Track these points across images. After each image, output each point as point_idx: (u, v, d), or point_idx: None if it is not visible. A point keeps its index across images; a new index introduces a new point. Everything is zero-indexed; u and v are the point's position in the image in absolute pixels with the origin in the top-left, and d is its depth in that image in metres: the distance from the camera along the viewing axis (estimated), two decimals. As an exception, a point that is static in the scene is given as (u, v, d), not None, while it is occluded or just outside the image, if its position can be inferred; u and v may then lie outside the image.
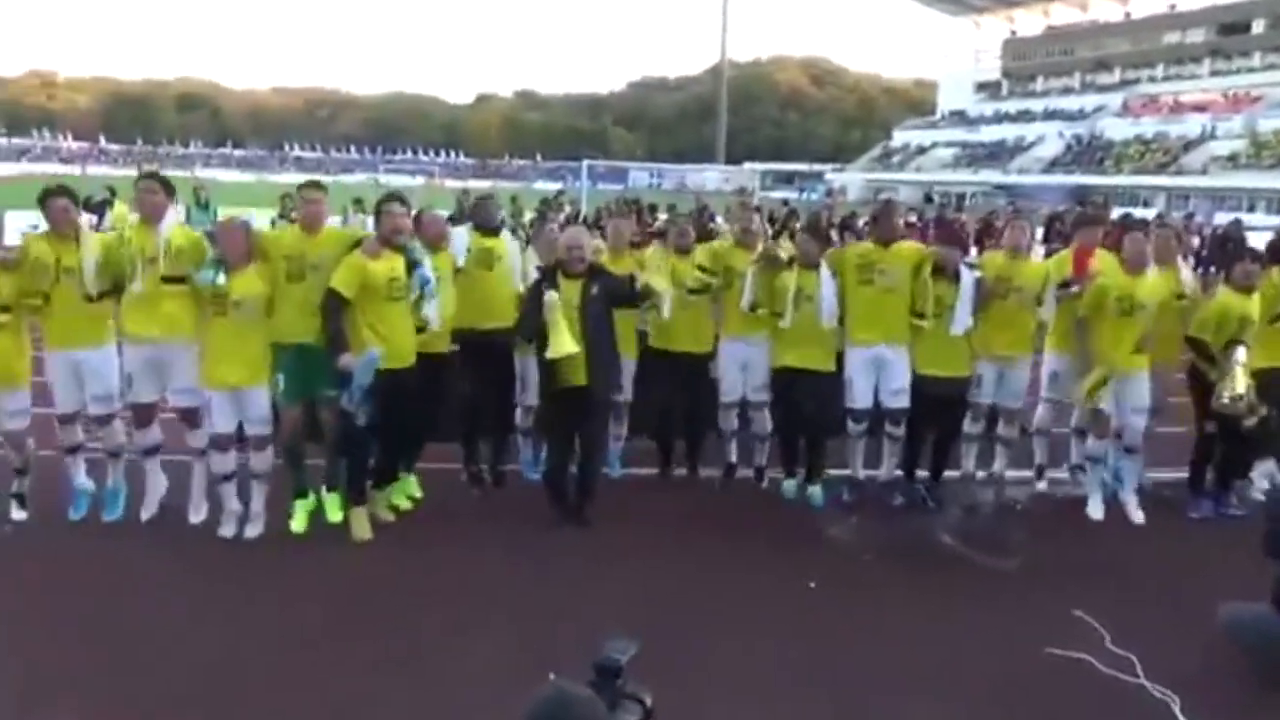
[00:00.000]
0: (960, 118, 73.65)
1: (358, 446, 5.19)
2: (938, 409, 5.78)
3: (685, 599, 4.57)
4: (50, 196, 5.10)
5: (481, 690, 3.62)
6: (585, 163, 38.46)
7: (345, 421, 5.04)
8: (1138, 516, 5.80)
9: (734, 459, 6.25)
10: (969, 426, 5.96)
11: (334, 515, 5.36)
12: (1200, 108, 55.08)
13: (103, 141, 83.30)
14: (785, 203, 22.80)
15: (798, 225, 9.63)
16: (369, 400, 4.91)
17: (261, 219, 10.59)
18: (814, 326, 5.66)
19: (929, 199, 47.20)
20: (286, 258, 5.15)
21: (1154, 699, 3.75)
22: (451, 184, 53.67)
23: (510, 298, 5.80)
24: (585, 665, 1.89)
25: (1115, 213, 13.87)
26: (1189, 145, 52.13)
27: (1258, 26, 56.88)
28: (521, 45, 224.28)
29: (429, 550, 5.06)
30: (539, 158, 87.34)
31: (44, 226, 5.23)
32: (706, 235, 7.48)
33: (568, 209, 17.71)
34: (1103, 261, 5.86)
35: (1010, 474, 6.16)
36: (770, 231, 9.32)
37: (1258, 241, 9.71)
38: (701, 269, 5.93)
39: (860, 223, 10.47)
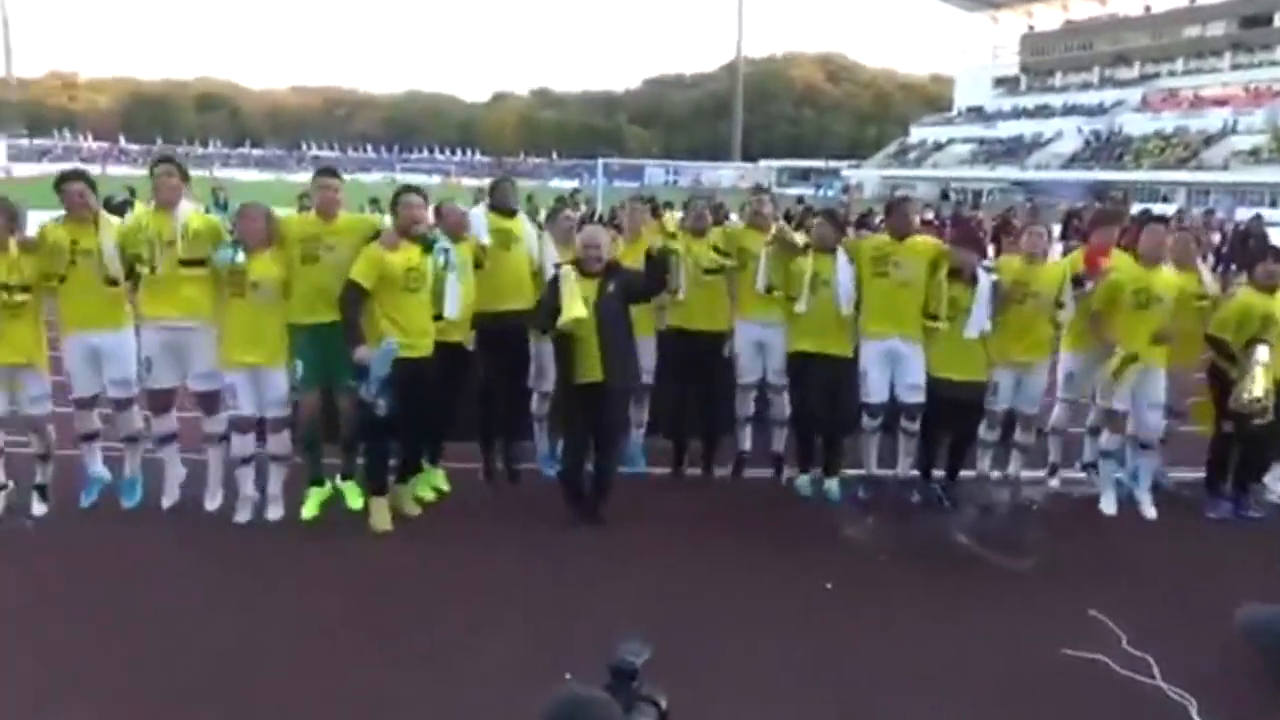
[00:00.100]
0: (978, 113, 73.12)
1: (377, 437, 5.22)
2: (953, 413, 5.73)
3: (699, 598, 4.58)
4: (66, 180, 5.14)
5: (496, 689, 3.64)
6: (601, 161, 38.62)
7: (364, 412, 5.07)
8: (1150, 512, 5.77)
9: (748, 446, 6.23)
10: (985, 434, 5.89)
11: (354, 502, 5.37)
12: (1221, 102, 54.51)
13: (123, 141, 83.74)
14: (801, 199, 22.76)
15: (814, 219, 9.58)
16: (387, 390, 4.93)
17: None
18: (831, 312, 5.65)
19: (945, 195, 46.87)
20: (301, 241, 5.19)
21: (1171, 701, 3.73)
22: (468, 182, 53.75)
23: (527, 280, 5.78)
24: (600, 665, 1.90)
25: (1135, 208, 13.76)
26: (1210, 140, 51.59)
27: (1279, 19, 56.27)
28: (537, 43, 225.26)
29: (446, 546, 5.09)
30: (555, 156, 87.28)
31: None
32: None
33: (583, 208, 17.72)
34: (1117, 260, 5.84)
35: (1025, 474, 6.12)
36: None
37: (1279, 237, 9.62)
38: (716, 250, 5.96)
39: (877, 220, 10.42)
